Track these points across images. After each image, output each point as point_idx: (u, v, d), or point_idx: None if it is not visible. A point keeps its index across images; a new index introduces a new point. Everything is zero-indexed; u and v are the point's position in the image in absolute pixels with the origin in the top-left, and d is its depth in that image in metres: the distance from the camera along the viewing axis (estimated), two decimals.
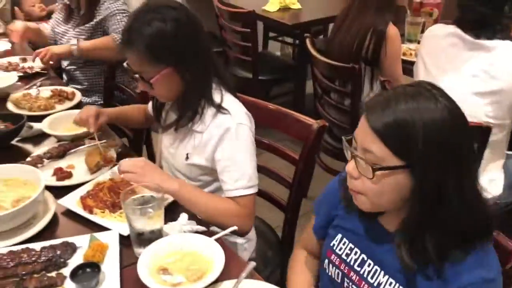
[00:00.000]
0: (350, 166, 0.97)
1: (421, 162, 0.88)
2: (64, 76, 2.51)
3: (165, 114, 1.51)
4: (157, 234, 1.17)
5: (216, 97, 1.37)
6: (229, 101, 1.39)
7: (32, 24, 2.48)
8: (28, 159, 1.50)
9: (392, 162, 0.90)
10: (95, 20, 2.31)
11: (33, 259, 1.14)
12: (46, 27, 2.54)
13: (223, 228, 1.24)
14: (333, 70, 2.26)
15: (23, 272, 1.10)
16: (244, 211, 1.34)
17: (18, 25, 2.36)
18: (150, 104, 1.62)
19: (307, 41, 2.40)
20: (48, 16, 3.07)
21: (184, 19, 1.31)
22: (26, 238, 1.21)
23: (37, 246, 1.17)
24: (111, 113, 1.63)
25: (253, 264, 1.11)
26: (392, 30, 2.18)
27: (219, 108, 1.35)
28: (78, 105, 1.93)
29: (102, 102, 2.39)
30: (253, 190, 1.35)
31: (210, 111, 1.36)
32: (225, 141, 1.34)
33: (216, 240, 1.17)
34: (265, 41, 4.30)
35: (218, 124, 1.35)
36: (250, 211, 1.36)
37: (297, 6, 3.50)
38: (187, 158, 1.42)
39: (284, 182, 1.68)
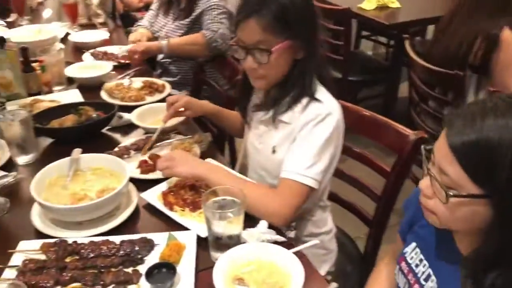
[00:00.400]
0: (424, 184, 0.87)
1: (505, 193, 0.74)
2: (157, 68, 2.56)
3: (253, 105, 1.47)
4: (235, 240, 1.12)
5: (312, 88, 1.31)
6: (323, 92, 1.32)
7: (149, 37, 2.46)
8: (116, 149, 1.52)
9: (469, 189, 0.77)
10: (194, 14, 2.31)
11: (112, 252, 1.13)
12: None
13: (256, 215, 1.20)
14: (434, 76, 2.09)
15: (102, 265, 1.10)
16: (280, 197, 1.23)
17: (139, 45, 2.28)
18: None
19: (406, 43, 2.24)
20: (145, 7, 3.16)
21: None
22: (107, 229, 1.22)
23: (117, 239, 1.17)
24: (204, 110, 1.61)
25: (335, 286, 1.02)
26: (507, 34, 1.96)
27: (312, 98, 1.29)
28: None
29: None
30: (305, 181, 1.23)
31: (303, 101, 1.30)
32: (309, 124, 1.27)
33: (295, 253, 1.10)
34: (357, 40, 4.14)
35: (308, 112, 1.28)
36: (289, 199, 1.23)
37: (396, 4, 3.32)
38: (273, 151, 1.36)
39: (369, 193, 1.56)
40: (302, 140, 1.28)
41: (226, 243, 1.11)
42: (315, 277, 1.09)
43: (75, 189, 1.30)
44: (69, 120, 1.64)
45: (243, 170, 1.53)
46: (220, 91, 2.20)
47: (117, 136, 1.70)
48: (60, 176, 1.33)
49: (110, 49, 2.39)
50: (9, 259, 1.11)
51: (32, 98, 1.84)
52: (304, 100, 1.30)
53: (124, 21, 3.07)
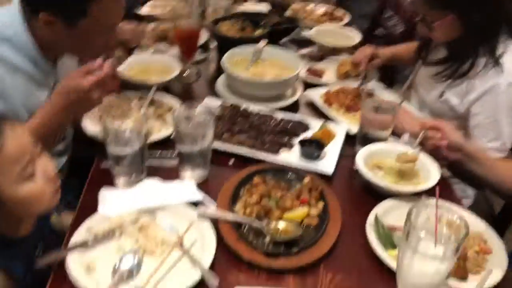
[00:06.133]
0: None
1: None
2: None
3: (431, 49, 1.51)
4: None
5: (497, 49, 1.29)
6: (510, 57, 1.29)
7: None
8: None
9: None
10: None
11: (274, 123, 1.34)
12: None
13: None
14: None
15: (264, 128, 1.31)
16: None
17: None
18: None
19: None
20: None
21: None
22: (281, 106, 1.44)
23: (279, 115, 1.37)
24: (385, 55, 1.67)
25: None
26: None
27: (494, 60, 1.28)
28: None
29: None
30: (502, 155, 1.31)
31: (482, 60, 1.30)
32: (488, 96, 1.28)
33: None
34: None
35: (486, 77, 1.29)
36: None
37: None
38: (441, 96, 1.40)
39: None
40: (489, 115, 1.30)
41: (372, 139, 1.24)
42: None
43: (255, 71, 1.53)
44: None
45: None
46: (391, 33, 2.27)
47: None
48: (243, 59, 1.56)
49: None
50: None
51: None
52: (483, 60, 1.29)
53: None
